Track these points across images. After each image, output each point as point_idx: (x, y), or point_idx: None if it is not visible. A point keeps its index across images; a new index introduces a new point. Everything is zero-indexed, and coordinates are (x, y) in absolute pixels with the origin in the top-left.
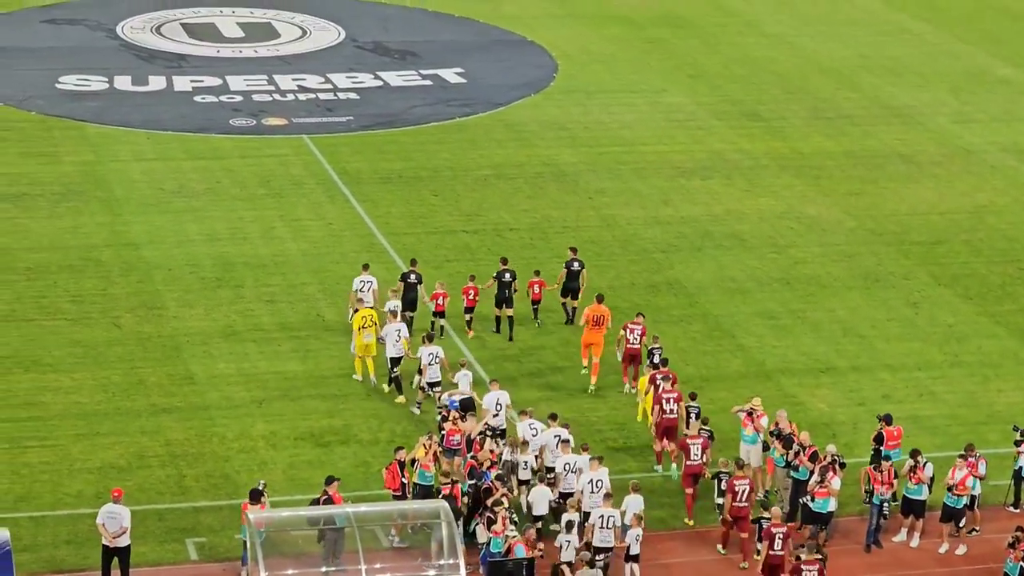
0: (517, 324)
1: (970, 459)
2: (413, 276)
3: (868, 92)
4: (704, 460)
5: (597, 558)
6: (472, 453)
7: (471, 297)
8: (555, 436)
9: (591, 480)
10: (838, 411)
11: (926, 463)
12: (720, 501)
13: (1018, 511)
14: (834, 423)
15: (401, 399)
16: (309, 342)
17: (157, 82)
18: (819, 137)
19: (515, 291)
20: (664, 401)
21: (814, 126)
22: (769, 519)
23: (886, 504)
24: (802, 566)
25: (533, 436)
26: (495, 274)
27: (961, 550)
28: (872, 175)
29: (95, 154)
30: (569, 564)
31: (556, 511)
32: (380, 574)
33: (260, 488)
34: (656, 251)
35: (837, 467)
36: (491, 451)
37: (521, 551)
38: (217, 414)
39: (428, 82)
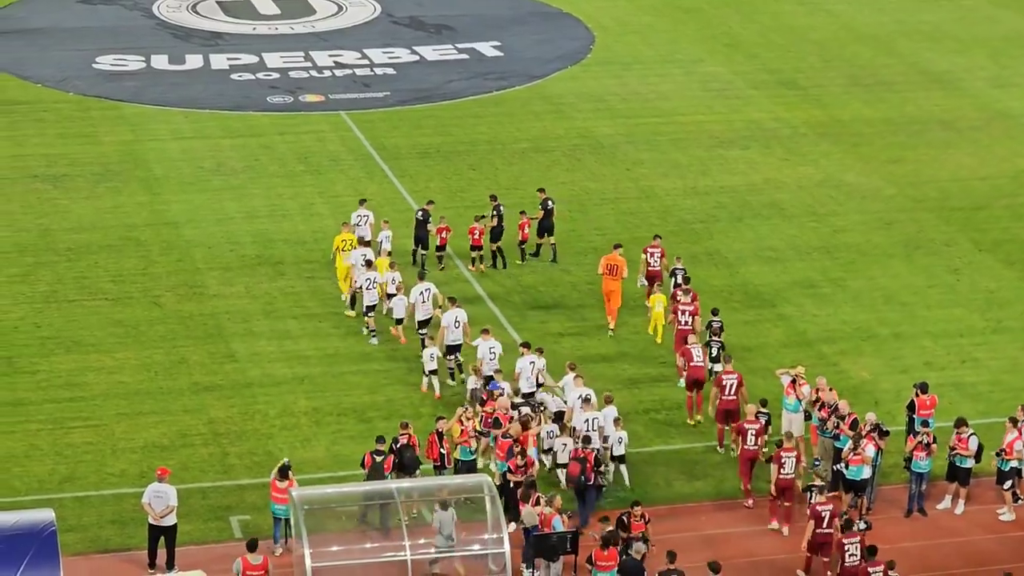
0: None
1: (1020, 423)
2: (421, 213)
3: (906, 58)
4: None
5: None
6: (503, 431)
7: (476, 236)
8: (530, 362)
9: (580, 396)
10: (880, 379)
11: (971, 435)
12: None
13: None
14: (877, 391)
15: (350, 313)
16: (350, 318)
17: (194, 60)
18: (857, 104)
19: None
20: (680, 312)
21: (852, 93)
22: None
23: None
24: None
25: (491, 359)
26: (493, 211)
27: (1007, 516)
28: (911, 141)
29: (133, 134)
30: (564, 466)
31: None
32: (424, 549)
33: (288, 464)
34: (695, 222)
35: (878, 435)
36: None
37: (559, 524)
38: (259, 392)
39: (464, 56)
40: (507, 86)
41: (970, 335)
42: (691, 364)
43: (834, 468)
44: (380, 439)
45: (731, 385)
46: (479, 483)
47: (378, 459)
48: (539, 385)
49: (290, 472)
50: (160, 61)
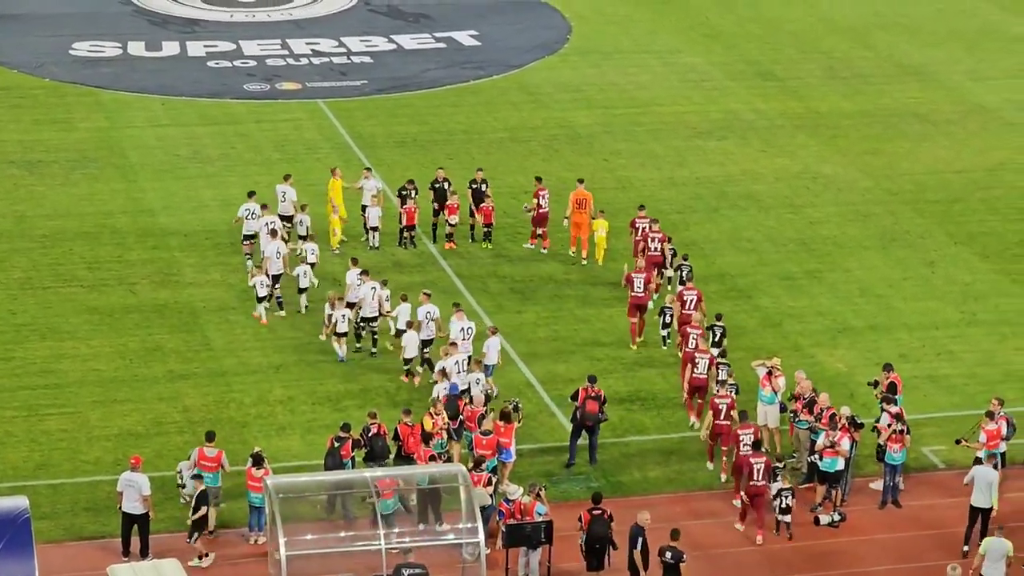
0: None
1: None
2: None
3: (883, 51)
4: (647, 293)
5: None
6: (481, 429)
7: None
8: (371, 288)
9: (462, 328)
10: (856, 371)
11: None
12: (664, 333)
13: None
14: (852, 383)
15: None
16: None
17: (171, 47)
18: (834, 96)
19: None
20: (649, 240)
21: (829, 85)
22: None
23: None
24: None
25: (358, 285)
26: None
27: None
28: (888, 134)
29: (109, 120)
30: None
31: (428, 360)
32: (400, 539)
33: (261, 453)
34: (672, 212)
35: (852, 427)
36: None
37: (542, 509)
38: (234, 380)
39: (442, 45)
40: (485, 75)
41: (945, 328)
42: (632, 292)
43: (809, 459)
44: (345, 426)
45: (691, 300)
46: (453, 472)
47: (336, 444)
48: (380, 314)
49: (265, 461)
50: (137, 48)
